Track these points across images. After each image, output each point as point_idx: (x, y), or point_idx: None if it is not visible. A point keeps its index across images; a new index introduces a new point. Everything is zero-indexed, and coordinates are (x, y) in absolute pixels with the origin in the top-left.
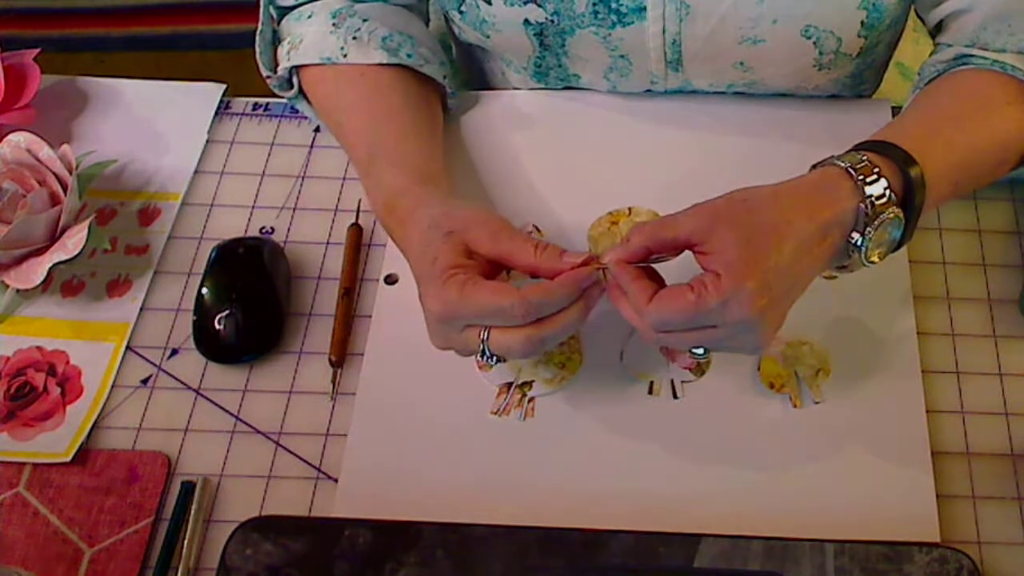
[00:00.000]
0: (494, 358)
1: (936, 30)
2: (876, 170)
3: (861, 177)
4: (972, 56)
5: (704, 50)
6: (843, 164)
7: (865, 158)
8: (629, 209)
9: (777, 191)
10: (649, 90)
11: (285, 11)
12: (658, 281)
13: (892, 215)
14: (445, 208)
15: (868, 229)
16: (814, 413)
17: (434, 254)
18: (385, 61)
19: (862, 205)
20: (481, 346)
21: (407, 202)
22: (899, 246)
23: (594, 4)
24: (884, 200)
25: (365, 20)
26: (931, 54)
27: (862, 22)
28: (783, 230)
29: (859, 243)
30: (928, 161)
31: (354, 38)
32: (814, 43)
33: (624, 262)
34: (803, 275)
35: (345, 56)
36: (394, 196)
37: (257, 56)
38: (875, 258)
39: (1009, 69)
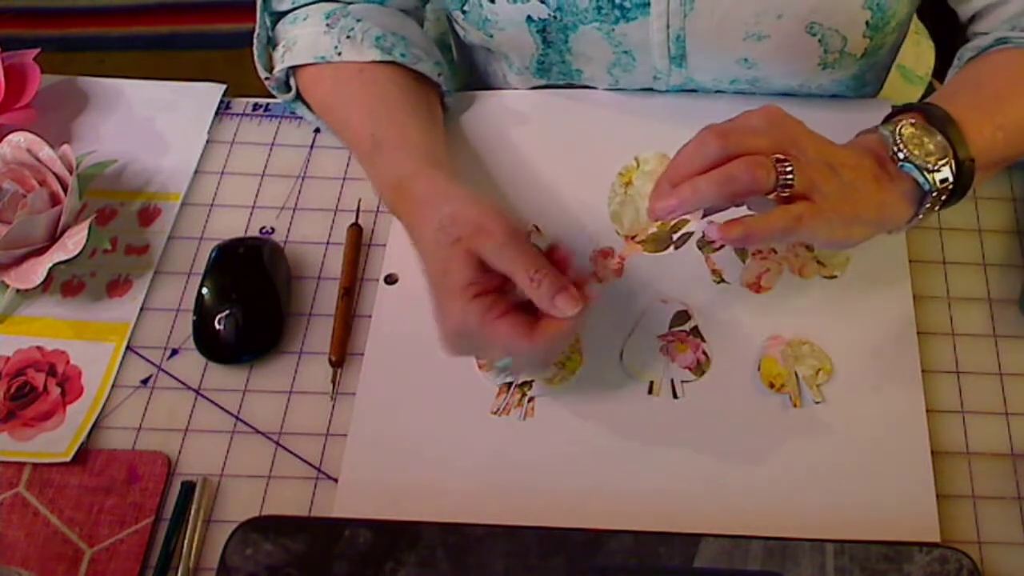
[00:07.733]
0: (506, 372)
1: (970, 21)
2: (896, 116)
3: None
4: (1011, 37)
5: (708, 46)
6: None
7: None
8: (636, 160)
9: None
10: (651, 88)
11: (280, 15)
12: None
13: (911, 121)
14: (454, 207)
15: (898, 140)
16: (814, 413)
17: (445, 266)
18: (378, 59)
19: (882, 131)
20: (499, 362)
21: (418, 184)
22: (960, 191)
23: None
24: (904, 122)
25: (359, 20)
26: (967, 41)
27: (867, 22)
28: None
29: (897, 153)
30: (970, 129)
31: (348, 37)
32: (819, 41)
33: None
34: (858, 185)
35: (339, 54)
36: (404, 178)
37: (255, 59)
38: (936, 178)
39: None
